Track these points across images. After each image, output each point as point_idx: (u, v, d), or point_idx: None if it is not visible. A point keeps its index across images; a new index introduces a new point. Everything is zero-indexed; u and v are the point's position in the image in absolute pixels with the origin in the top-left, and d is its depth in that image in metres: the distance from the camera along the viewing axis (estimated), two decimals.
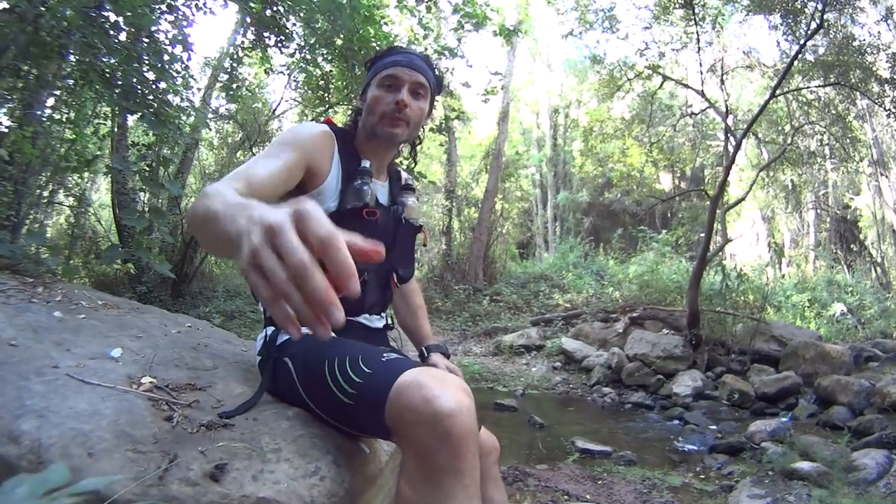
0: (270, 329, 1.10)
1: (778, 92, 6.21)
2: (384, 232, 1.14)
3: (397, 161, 1.39)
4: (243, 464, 0.82)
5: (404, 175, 1.32)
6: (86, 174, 6.73)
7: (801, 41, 5.92)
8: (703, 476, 3.04)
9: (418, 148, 1.33)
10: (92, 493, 0.39)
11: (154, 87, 2.70)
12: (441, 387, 0.77)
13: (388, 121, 1.13)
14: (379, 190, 1.18)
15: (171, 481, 0.75)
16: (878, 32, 6.77)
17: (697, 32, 6.82)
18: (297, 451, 0.88)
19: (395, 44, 4.87)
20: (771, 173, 9.38)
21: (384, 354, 0.91)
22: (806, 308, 7.78)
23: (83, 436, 0.77)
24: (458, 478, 0.74)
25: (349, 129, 1.20)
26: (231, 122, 8.86)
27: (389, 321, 1.29)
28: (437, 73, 1.22)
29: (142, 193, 6.11)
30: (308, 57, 5.16)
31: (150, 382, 0.98)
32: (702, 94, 7.05)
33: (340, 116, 6.59)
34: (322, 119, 1.20)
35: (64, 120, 3.57)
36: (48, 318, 1.19)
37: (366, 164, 1.12)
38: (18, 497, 0.31)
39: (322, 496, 0.84)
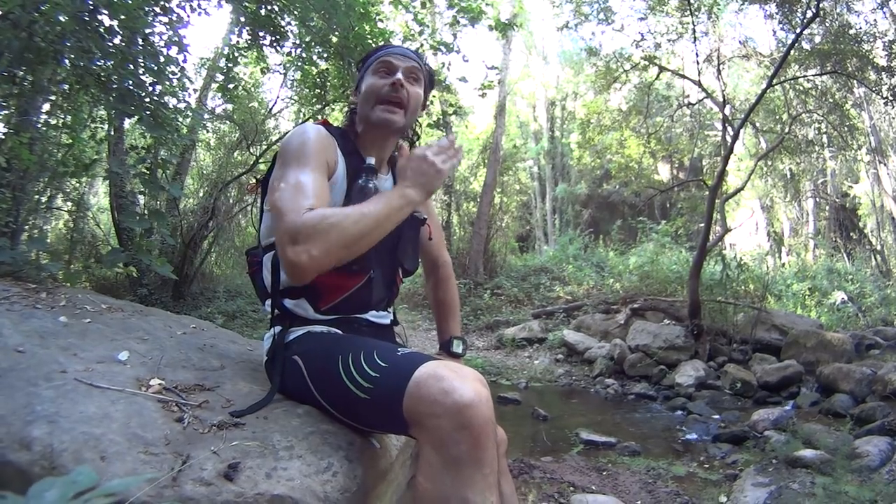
0: (278, 328, 1.10)
1: (775, 81, 6.19)
2: None
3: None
4: (256, 462, 0.82)
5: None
6: (84, 178, 6.71)
7: (798, 30, 5.90)
8: (707, 465, 3.05)
9: (418, 143, 1.32)
10: (114, 494, 0.39)
11: (150, 89, 2.68)
12: (459, 379, 0.78)
13: (384, 105, 1.12)
14: (383, 184, 1.19)
15: (185, 482, 0.76)
16: (875, 20, 6.74)
17: (693, 22, 6.80)
18: (308, 448, 0.89)
19: (391, 40, 4.87)
20: (769, 162, 9.38)
21: (399, 349, 0.92)
22: (806, 297, 7.79)
23: (95, 439, 0.78)
24: (479, 467, 0.75)
25: (346, 126, 1.21)
26: (228, 122, 8.82)
27: (394, 317, 1.30)
28: (427, 67, 1.24)
29: (141, 196, 6.10)
30: (304, 55, 5.14)
31: (159, 384, 0.99)
32: (699, 84, 7.04)
33: (338, 114, 6.58)
34: (317, 120, 1.20)
35: (60, 125, 3.55)
36: (54, 324, 1.19)
37: (370, 161, 1.11)
38: (49, 501, 0.31)
39: (335, 491, 0.85)
